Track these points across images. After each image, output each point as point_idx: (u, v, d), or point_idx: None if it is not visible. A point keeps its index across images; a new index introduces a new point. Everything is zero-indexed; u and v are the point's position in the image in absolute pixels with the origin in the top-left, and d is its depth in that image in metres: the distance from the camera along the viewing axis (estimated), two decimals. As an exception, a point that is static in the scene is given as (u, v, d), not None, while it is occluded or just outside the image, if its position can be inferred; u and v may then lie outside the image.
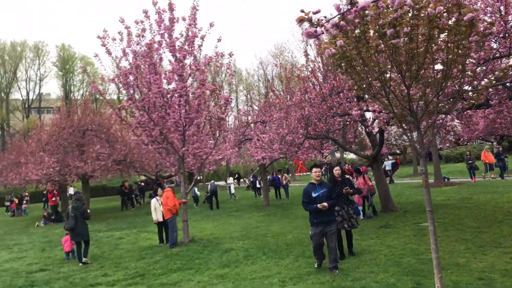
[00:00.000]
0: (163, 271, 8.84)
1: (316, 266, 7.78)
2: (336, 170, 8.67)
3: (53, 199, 24.49)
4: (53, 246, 13.89)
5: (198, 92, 11.72)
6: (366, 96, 11.16)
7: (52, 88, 76.71)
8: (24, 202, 31.16)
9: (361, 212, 13.35)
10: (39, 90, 65.59)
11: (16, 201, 30.42)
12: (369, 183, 13.75)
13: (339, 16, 4.86)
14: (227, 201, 24.57)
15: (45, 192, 31.37)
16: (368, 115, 13.73)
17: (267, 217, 16.44)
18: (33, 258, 11.99)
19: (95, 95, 46.72)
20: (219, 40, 11.70)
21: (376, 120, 13.39)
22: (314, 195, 7.37)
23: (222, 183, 37.39)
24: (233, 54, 11.76)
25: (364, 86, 5.94)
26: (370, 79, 5.72)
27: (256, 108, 21.19)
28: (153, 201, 12.53)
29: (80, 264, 10.38)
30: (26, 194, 34.36)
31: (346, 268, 7.64)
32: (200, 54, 11.93)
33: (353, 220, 8.48)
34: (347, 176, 9.22)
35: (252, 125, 18.98)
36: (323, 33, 2.66)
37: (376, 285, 6.49)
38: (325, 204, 7.16)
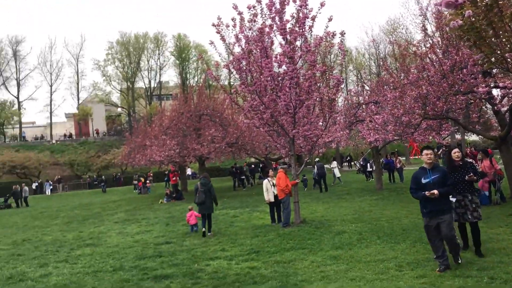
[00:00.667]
0: (277, 249, 9.10)
1: (438, 270, 6.45)
2: (455, 153, 7.37)
3: (174, 178, 26.54)
4: (175, 221, 15.06)
5: (308, 74, 11.66)
6: (495, 70, 10.12)
7: (170, 77, 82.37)
8: (148, 181, 34.22)
9: (487, 199, 12.28)
10: (159, 78, 71.12)
11: (142, 180, 33.51)
12: (497, 166, 12.55)
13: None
14: (338, 185, 24.32)
15: (166, 172, 34.14)
16: (496, 92, 12.45)
17: (380, 201, 15.94)
18: (159, 231, 13.15)
19: (209, 81, 49.21)
20: (330, 19, 11.44)
21: (506, 98, 12.10)
22: (424, 181, 6.51)
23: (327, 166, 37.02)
24: (345, 33, 11.44)
25: (496, 59, 5.37)
26: (502, 52, 5.15)
27: (367, 88, 20.48)
28: (265, 182, 12.89)
29: (209, 233, 11.52)
30: (151, 174, 37.73)
31: (470, 257, 7.10)
32: (310, 35, 11.82)
33: (479, 210, 7.19)
34: (469, 160, 7.84)
35: (363, 106, 18.42)
36: (464, 2, 2.41)
37: (506, 276, 5.94)
38: (434, 191, 6.22)
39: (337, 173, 25.50)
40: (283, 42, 11.87)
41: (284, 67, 11.96)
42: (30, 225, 17.72)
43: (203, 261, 8.69)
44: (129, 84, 68.42)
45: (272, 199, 12.46)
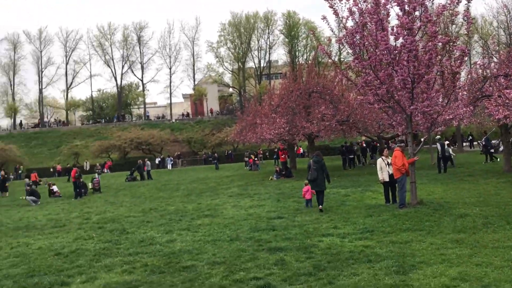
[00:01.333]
0: (392, 230, 8.80)
1: None
2: None
3: (283, 156, 26.94)
4: (286, 197, 15.35)
5: (429, 46, 10.86)
6: None
7: (279, 55, 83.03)
8: (257, 159, 35.25)
9: None
10: (269, 57, 72.11)
11: (253, 157, 34.63)
12: None
13: None
14: (459, 165, 22.57)
15: (275, 150, 34.84)
16: None
17: (510, 184, 14.47)
18: (270, 206, 13.53)
19: (319, 58, 48.59)
20: (454, -16, 10.47)
21: None
22: None
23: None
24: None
25: None
26: None
27: (496, 60, 18.45)
28: (379, 161, 12.46)
29: (320, 206, 11.74)
30: (260, 151, 38.81)
31: None
32: (432, 3, 10.95)
33: None
34: None
35: (491, 79, 16.67)
36: None
37: None
38: None
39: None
40: (400, 13, 11.19)
41: (401, 39, 11.30)
42: (155, 196, 19.44)
43: (315, 237, 8.76)
44: (240, 64, 70.58)
45: (387, 179, 12.01)
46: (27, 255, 8.88)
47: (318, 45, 13.79)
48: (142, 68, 72.60)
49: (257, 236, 9.11)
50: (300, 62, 62.09)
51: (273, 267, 6.83)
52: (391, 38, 11.48)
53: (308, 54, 69.52)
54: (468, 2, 10.73)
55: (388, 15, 11.49)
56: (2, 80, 71.33)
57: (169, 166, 44.68)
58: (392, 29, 11.39)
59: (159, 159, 47.55)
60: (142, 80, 72.75)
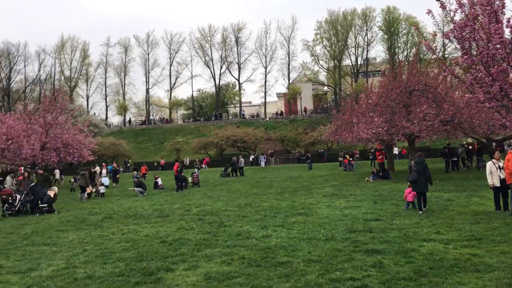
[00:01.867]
0: (503, 239, 8.09)
1: None
2: None
3: (380, 157, 26.04)
4: (383, 199, 14.83)
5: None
6: None
7: (377, 52, 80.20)
8: (352, 159, 34.43)
9: None
10: (367, 55, 70.01)
11: (348, 157, 33.94)
12: None
13: None
14: None
15: (372, 150, 33.78)
16: None
17: None
18: (366, 208, 13.16)
19: (420, 55, 46.10)
20: None
21: None
22: None
23: None
24: None
25: None
26: None
27: None
28: (489, 164, 11.49)
29: (420, 212, 11.51)
30: (357, 151, 37.89)
31: None
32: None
33: None
34: None
35: None
36: None
37: None
38: None
39: None
40: (518, 3, 10.22)
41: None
42: (250, 192, 19.95)
43: (415, 241, 8.36)
44: (336, 62, 69.48)
45: (498, 184, 11.04)
46: (136, 241, 9.66)
47: (420, 41, 12.90)
48: (239, 68, 74.82)
49: (353, 237, 8.93)
50: (400, 59, 59.38)
51: (371, 269, 6.65)
52: (506, 30, 10.55)
53: (408, 50, 66.26)
54: None
55: (503, 5, 10.56)
56: (114, 81, 78.39)
57: (263, 164, 45.51)
58: (508, 21, 10.45)
59: (253, 156, 48.66)
60: (238, 80, 75.02)
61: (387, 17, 66.92)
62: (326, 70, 71.92)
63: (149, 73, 77.21)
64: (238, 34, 74.81)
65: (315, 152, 48.25)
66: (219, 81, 75.06)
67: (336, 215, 11.97)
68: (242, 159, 34.93)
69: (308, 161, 36.94)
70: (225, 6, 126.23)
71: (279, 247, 8.41)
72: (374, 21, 68.96)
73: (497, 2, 10.48)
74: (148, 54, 77.43)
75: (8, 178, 21.90)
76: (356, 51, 70.25)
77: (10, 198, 15.96)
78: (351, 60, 70.69)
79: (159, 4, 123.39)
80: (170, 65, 76.99)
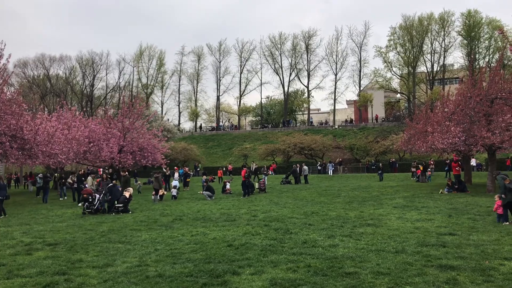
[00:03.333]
0: None
1: None
2: None
3: (457, 168, 24.60)
4: (459, 213, 14.01)
5: None
6: None
7: (455, 59, 76.22)
8: (429, 169, 32.81)
9: None
10: (443, 61, 66.72)
11: (421, 168, 32.39)
12: None
13: None
14: None
15: (448, 161, 32.04)
16: None
17: None
18: (440, 221, 12.49)
19: (504, 61, 43.08)
20: None
21: None
22: None
23: None
24: None
25: None
26: None
27: None
28: None
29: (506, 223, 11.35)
30: (431, 162, 36.08)
31: None
32: None
33: None
34: None
35: None
36: None
37: None
38: None
39: None
40: None
41: None
42: (317, 200, 19.72)
43: (495, 259, 7.80)
44: (410, 69, 66.95)
45: None
46: (204, 243, 9.91)
47: (505, 45, 11.90)
48: (309, 75, 74.54)
49: (425, 251, 8.51)
50: (481, 65, 55.87)
51: (444, 285, 6.31)
52: None
53: (490, 56, 62.17)
54: None
55: None
56: (187, 88, 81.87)
57: (330, 172, 44.79)
58: None
59: (321, 164, 48.09)
60: (307, 87, 74.72)
61: (467, 21, 63.29)
62: (399, 77, 69.49)
63: (220, 80, 79.44)
64: (309, 41, 74.72)
65: (386, 161, 46.66)
66: (288, 88, 75.38)
67: (407, 228, 11.49)
68: (305, 167, 34.52)
69: (379, 172, 35.38)
70: (296, 14, 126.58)
71: (346, 257, 8.22)
72: (452, 26, 65.60)
73: None
74: (220, 62, 79.77)
75: (89, 178, 23.51)
76: (432, 57, 67.22)
77: (90, 197, 17.08)
78: (426, 66, 67.78)
79: (232, 13, 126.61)
80: (240, 73, 78.72)
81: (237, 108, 79.17)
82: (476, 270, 7.08)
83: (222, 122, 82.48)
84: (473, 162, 37.58)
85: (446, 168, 32.43)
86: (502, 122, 20.22)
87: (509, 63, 46.83)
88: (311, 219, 13.48)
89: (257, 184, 25.53)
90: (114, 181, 18.55)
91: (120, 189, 18.11)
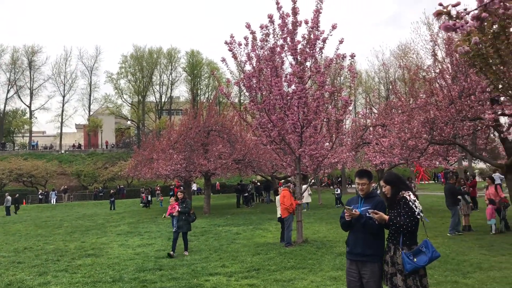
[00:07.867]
0: (277, 268, 9.03)
1: None
2: (383, 184, 4.62)
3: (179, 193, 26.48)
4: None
5: (317, 94, 11.73)
6: (502, 98, 10.11)
7: (181, 92, 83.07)
8: (158, 194, 34.24)
9: (492, 226, 12.19)
10: (170, 93, 71.72)
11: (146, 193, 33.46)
12: (502, 194, 12.46)
13: (480, 7, 4.49)
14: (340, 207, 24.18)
15: (172, 186, 34.19)
16: (504, 120, 12.41)
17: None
18: (160, 245, 13.11)
19: (219, 98, 49.56)
20: (340, 42, 11.54)
21: (513, 126, 12.03)
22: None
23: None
24: (354, 56, 11.51)
25: (502, 86, 5.40)
26: (509, 79, 5.18)
27: (375, 111, 20.52)
28: (277, 198, 12.83)
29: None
30: (158, 187, 37.73)
31: (471, 283, 7.01)
32: (321, 56, 11.93)
33: (397, 279, 4.23)
34: (406, 195, 4.37)
35: (371, 128, 18.43)
36: (462, 26, 2.45)
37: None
38: (356, 212, 4.44)
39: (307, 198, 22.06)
40: (293, 62, 11.99)
41: (293, 86, 12.07)
42: (33, 234, 17.76)
43: (202, 276, 8.64)
44: (140, 97, 69.14)
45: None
46: None
47: (218, 86, 13.93)
48: (31, 94, 67.63)
49: (142, 277, 8.71)
50: (202, 100, 62.71)
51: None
52: (285, 84, 12.22)
53: (209, 93, 70.60)
54: (352, 58, 11.86)
55: (282, 63, 12.23)
56: None
57: (53, 201, 41.31)
58: (286, 77, 12.14)
59: (42, 192, 43.79)
60: (30, 107, 67.54)
61: (190, 60, 70.37)
62: (130, 105, 70.78)
63: None
64: (33, 57, 67.94)
65: (114, 188, 46.24)
66: (5, 107, 66.14)
67: (127, 254, 11.55)
68: (9, 198, 30.34)
69: (112, 199, 32.33)
70: (18, 25, 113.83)
71: (58, 294, 7.61)
72: (178, 62, 71.69)
73: (278, 59, 12.10)
74: None
75: None
76: (161, 88, 71.49)
77: None
78: (155, 97, 71.42)
79: None
80: None
81: None
82: (185, 288, 7.67)
83: None
84: (194, 186, 41.33)
85: (170, 193, 34.55)
86: (216, 151, 23.09)
87: (223, 100, 54.24)
88: (22, 256, 11.96)
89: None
90: None
91: None
